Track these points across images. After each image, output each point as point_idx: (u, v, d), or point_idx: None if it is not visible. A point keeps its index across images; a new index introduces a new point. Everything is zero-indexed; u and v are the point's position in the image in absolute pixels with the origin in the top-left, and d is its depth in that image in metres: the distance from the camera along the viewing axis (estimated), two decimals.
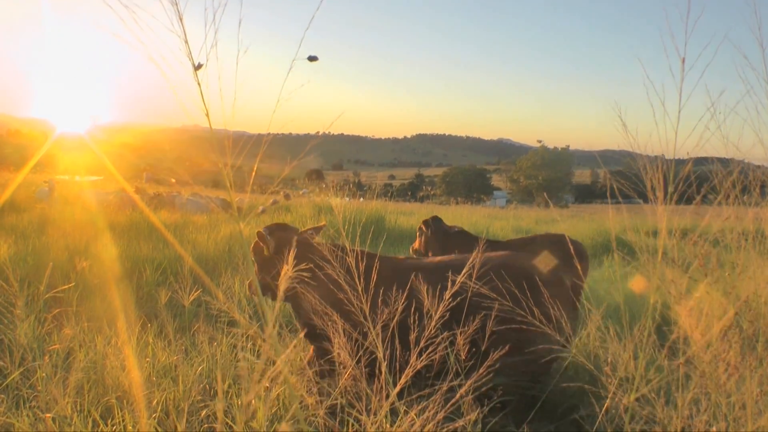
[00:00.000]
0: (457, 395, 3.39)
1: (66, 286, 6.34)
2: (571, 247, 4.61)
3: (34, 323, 6.09)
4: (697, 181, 3.30)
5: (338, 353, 3.95)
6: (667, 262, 3.21)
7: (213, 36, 2.34)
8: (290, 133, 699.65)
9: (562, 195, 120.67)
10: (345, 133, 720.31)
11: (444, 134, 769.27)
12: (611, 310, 6.36)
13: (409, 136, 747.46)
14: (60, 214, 14.00)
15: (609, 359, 3.29)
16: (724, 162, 3.74)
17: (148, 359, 5.09)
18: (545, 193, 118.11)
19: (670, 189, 3.23)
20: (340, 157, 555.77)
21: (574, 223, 22.60)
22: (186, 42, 2.39)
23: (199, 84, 2.44)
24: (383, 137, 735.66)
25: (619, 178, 3.71)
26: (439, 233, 9.61)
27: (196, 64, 2.42)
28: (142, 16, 2.20)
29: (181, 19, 2.37)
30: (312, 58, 2.86)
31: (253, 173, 3.06)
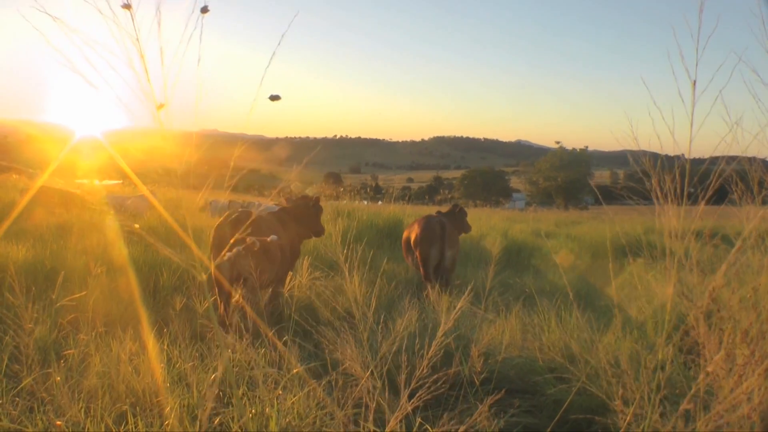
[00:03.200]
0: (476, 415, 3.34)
1: (79, 294, 6.31)
2: None
3: (50, 328, 6.08)
4: (720, 180, 3.24)
5: (350, 365, 3.90)
6: (688, 267, 3.14)
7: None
8: (307, 137, 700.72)
9: (582, 196, 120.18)
10: (362, 136, 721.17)
11: (462, 136, 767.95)
12: (634, 320, 6.30)
13: (426, 138, 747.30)
14: (78, 218, 14.03)
15: (620, 392, 3.24)
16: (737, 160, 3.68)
17: (162, 365, 5.05)
18: (563, 195, 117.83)
19: (694, 190, 3.18)
20: (358, 160, 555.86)
21: (595, 225, 22.47)
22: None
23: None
24: (401, 140, 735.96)
25: (637, 179, 3.65)
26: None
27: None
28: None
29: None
30: (274, 97, 2.91)
31: (229, 172, 3.08)
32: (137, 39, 2.44)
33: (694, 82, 3.05)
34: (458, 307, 3.97)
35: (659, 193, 3.25)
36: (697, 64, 3.02)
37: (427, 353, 3.87)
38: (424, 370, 3.67)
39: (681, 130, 3.16)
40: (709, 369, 2.92)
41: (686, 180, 3.17)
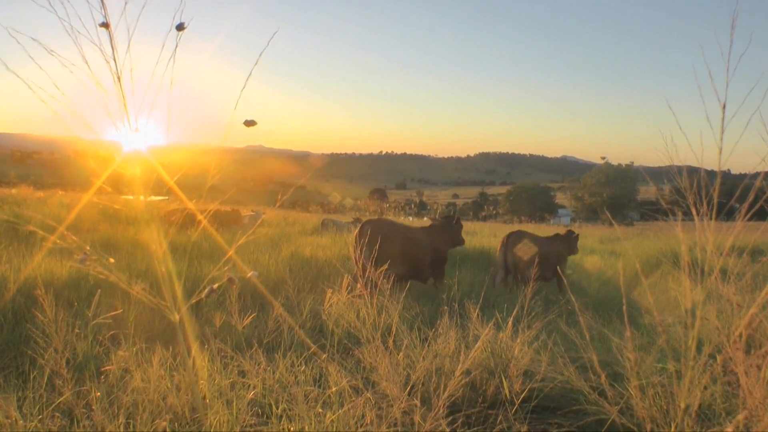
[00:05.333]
0: None
1: (115, 312, 6.35)
2: None
3: (91, 343, 6.13)
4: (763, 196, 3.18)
5: (385, 385, 3.87)
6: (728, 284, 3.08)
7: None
8: (352, 153, 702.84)
9: (627, 212, 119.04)
10: (408, 152, 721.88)
11: (507, 152, 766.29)
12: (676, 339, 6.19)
13: (472, 154, 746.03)
14: (123, 234, 14.16)
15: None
16: None
17: (202, 381, 5.06)
18: (608, 211, 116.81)
19: (740, 205, 3.11)
20: (404, 176, 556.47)
21: (638, 241, 22.21)
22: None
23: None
24: (446, 156, 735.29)
25: (681, 194, 3.59)
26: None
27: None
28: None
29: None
30: (249, 122, 2.90)
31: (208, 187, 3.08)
32: (114, 58, 2.43)
33: (724, 105, 2.99)
34: (485, 331, 3.91)
35: (694, 211, 3.20)
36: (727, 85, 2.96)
37: (458, 372, 3.82)
38: (459, 389, 3.63)
39: (715, 145, 3.11)
40: (749, 403, 2.86)
41: (715, 195, 3.11)
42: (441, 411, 3.87)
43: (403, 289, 9.15)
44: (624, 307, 3.91)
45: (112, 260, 2.77)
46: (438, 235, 12.20)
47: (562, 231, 13.84)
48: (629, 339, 4.68)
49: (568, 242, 13.48)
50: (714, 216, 3.11)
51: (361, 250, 10.08)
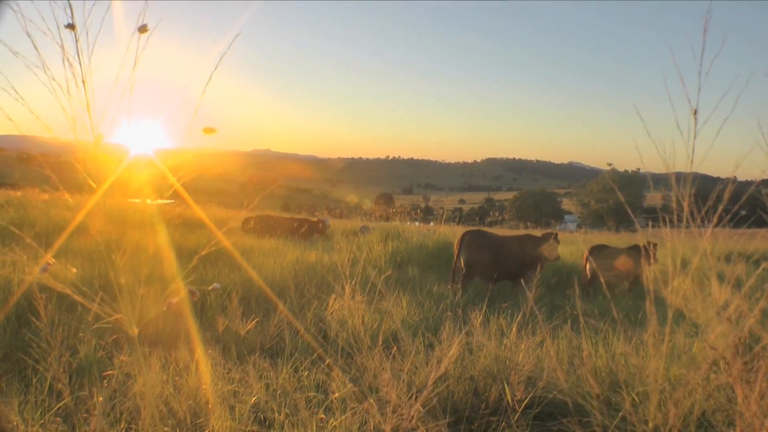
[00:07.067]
0: None
1: (119, 315, 6.34)
2: None
3: (94, 348, 6.12)
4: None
5: (386, 391, 3.86)
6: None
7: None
8: (360, 157, 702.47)
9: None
10: (415, 157, 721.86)
11: (514, 158, 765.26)
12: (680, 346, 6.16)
13: (479, 160, 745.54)
14: (129, 238, 14.16)
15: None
16: None
17: (205, 386, 5.05)
18: (614, 218, 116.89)
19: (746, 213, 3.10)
20: (411, 181, 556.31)
21: None
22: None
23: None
24: (453, 161, 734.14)
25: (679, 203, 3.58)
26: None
27: None
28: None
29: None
30: (208, 129, 2.87)
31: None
32: (79, 61, 2.40)
33: (694, 111, 2.97)
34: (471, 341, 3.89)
35: (689, 218, 3.20)
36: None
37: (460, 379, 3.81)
38: (462, 395, 3.62)
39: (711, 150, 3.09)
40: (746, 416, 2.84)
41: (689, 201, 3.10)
42: (443, 418, 3.85)
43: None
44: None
45: (74, 270, 2.74)
46: (531, 245, 13.43)
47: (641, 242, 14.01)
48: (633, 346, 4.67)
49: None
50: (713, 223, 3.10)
51: (457, 255, 12.73)
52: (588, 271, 13.79)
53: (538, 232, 15.94)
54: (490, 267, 12.43)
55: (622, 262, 13.17)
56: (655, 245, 13.38)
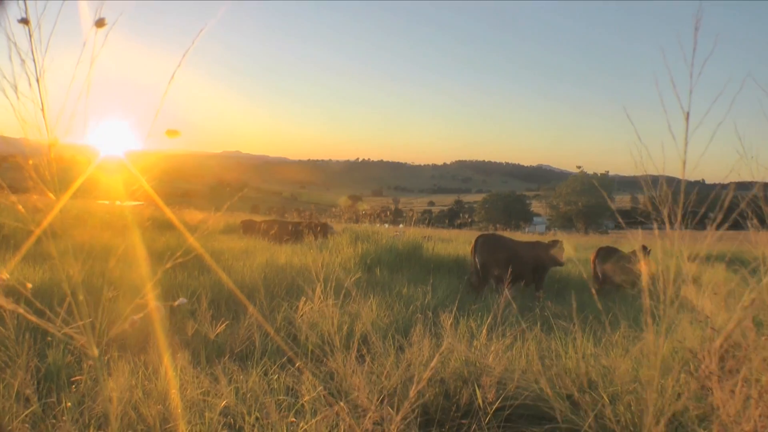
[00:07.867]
0: None
1: (89, 320, 6.28)
2: None
3: (63, 352, 6.06)
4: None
5: (356, 395, 3.86)
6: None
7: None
8: (329, 159, 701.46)
9: (602, 221, 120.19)
10: (384, 159, 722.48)
11: (483, 160, 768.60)
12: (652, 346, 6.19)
13: (448, 162, 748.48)
14: (98, 240, 14.02)
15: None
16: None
17: (174, 391, 5.01)
18: (583, 220, 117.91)
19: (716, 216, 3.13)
20: (380, 183, 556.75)
21: None
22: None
23: None
24: (423, 164, 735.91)
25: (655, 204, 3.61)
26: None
27: None
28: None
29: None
30: (171, 132, 2.80)
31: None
32: (33, 58, 2.34)
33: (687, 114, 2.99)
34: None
35: (666, 220, 3.22)
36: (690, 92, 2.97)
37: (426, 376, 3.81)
38: (432, 398, 3.62)
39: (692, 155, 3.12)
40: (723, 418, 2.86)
41: (679, 204, 3.12)
42: (414, 420, 3.85)
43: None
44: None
45: (29, 285, 2.63)
46: (541, 251, 14.23)
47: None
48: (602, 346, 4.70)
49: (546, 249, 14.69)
50: (673, 224, 3.13)
51: (474, 257, 13.80)
52: (599, 273, 15.10)
53: (509, 235, 16.38)
54: (504, 268, 12.56)
55: (628, 265, 13.75)
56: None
